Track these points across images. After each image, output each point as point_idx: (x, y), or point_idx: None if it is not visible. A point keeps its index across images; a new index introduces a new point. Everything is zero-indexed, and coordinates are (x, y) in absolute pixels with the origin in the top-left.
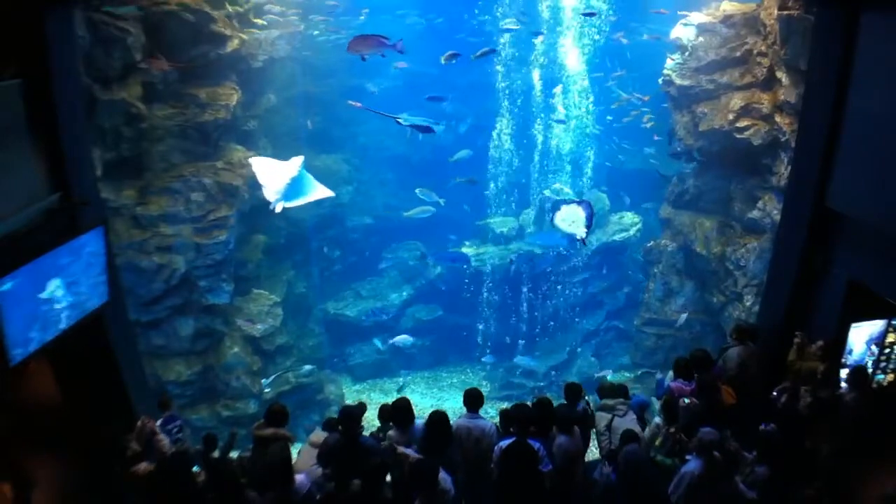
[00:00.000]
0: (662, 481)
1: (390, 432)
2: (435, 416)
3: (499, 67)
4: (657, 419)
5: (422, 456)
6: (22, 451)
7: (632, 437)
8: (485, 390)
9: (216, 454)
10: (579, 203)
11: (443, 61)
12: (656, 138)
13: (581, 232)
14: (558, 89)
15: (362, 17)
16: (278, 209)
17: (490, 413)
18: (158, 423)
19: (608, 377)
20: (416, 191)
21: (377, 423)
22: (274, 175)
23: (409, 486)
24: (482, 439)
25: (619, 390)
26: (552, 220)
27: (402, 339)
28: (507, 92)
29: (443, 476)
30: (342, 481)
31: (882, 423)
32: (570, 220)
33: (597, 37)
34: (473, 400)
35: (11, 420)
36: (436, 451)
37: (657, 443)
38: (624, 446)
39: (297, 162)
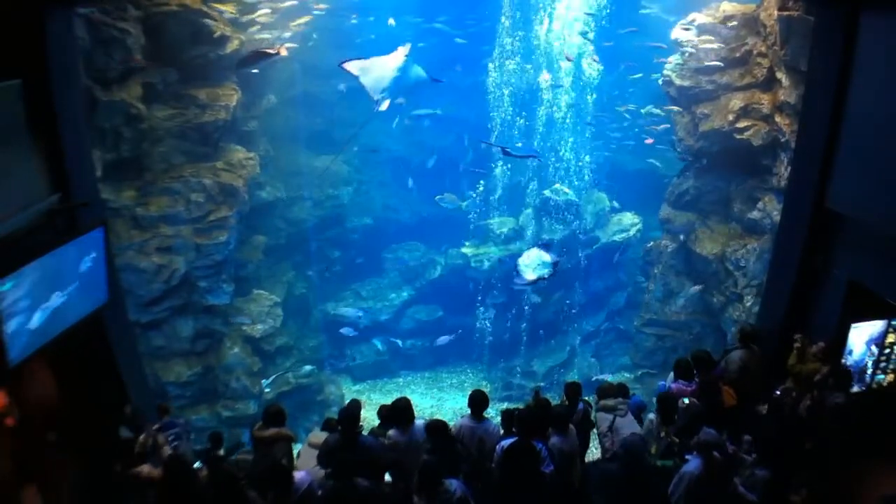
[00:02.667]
0: (663, 482)
1: (391, 432)
2: (434, 425)
3: (511, 66)
4: (651, 415)
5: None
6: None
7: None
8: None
9: (220, 453)
10: (542, 245)
11: (566, 56)
12: (649, 142)
13: (546, 273)
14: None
15: (354, 20)
16: (384, 107)
17: (490, 413)
18: (155, 427)
19: (608, 380)
20: (436, 198)
21: (375, 423)
22: (376, 71)
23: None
24: (486, 439)
25: (619, 390)
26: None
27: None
28: (508, 93)
29: (449, 480)
30: (344, 480)
31: (876, 426)
32: (535, 263)
33: (608, 43)
34: (478, 404)
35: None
36: (442, 455)
37: (652, 450)
38: (626, 438)
39: (402, 52)
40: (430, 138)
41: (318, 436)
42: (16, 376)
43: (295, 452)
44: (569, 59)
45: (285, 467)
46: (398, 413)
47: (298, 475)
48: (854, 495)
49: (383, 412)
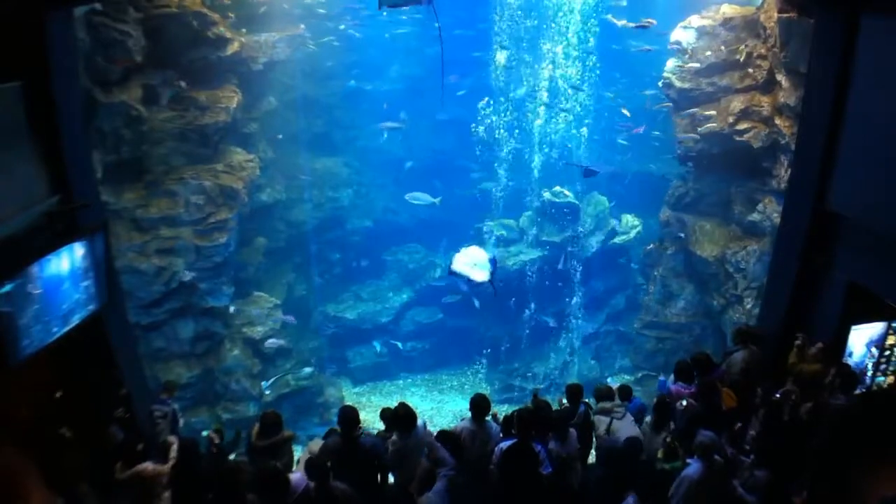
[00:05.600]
0: (662, 485)
1: (393, 437)
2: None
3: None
4: (647, 418)
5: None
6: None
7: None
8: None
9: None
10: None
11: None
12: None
13: (482, 276)
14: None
15: (342, 27)
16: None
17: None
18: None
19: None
20: (406, 196)
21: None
22: None
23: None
24: (489, 442)
25: (617, 392)
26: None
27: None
28: (506, 96)
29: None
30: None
31: (878, 427)
32: (472, 262)
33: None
34: (479, 408)
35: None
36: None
37: (659, 455)
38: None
39: None
40: (431, 140)
41: (318, 443)
42: (17, 376)
43: (295, 458)
44: (626, 113)
45: (282, 471)
46: (400, 420)
47: (294, 477)
48: (854, 496)
49: (387, 416)
